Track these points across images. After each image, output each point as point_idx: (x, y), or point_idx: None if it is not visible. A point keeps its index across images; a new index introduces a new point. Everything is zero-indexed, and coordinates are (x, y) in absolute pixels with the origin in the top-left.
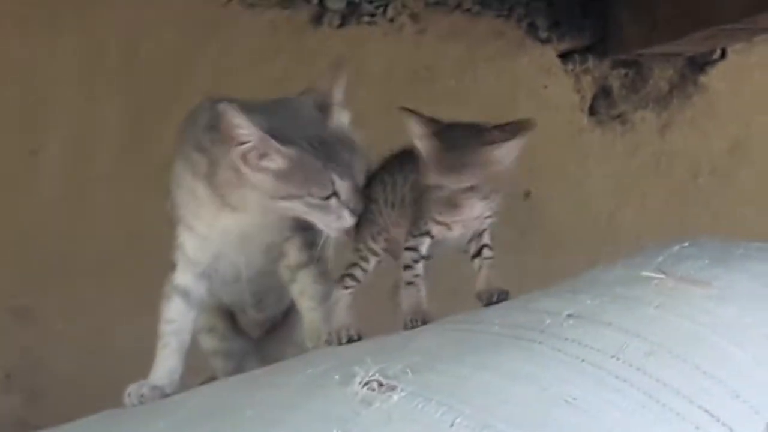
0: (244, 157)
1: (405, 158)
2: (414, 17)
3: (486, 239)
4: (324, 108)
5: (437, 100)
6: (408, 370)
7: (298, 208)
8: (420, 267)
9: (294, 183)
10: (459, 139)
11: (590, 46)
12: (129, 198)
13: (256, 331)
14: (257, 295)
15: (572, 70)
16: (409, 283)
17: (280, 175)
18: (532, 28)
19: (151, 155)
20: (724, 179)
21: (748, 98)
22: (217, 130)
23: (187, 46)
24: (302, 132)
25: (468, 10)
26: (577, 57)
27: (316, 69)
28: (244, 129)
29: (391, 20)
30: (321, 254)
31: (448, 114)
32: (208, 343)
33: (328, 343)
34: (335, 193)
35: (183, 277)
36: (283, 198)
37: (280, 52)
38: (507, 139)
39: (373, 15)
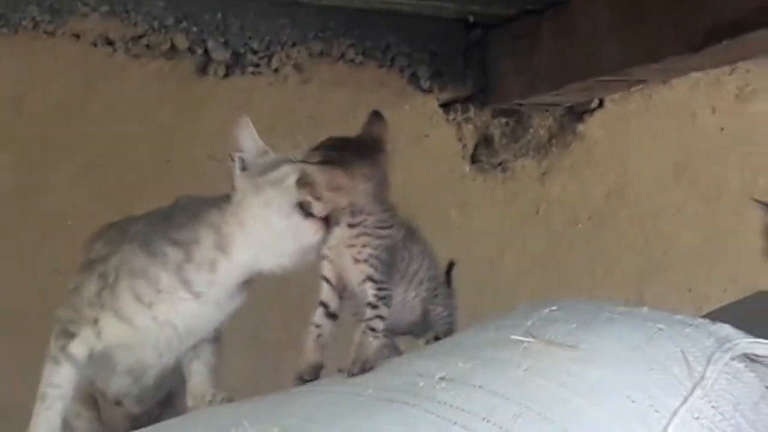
0: (242, 161)
1: None
2: (298, 67)
3: (370, 295)
4: None
5: None
6: None
7: (284, 170)
8: (317, 313)
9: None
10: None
11: (471, 96)
12: (15, 250)
13: (121, 425)
14: (145, 389)
15: (454, 119)
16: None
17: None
18: (414, 78)
19: (42, 206)
20: (602, 225)
21: (625, 146)
22: (190, 220)
23: (75, 96)
24: None
25: (351, 60)
26: (458, 106)
27: (203, 117)
28: (248, 141)
29: (276, 70)
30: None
31: None
32: (76, 426)
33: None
34: None
35: (81, 349)
36: (275, 168)
37: (167, 101)
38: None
39: (257, 65)
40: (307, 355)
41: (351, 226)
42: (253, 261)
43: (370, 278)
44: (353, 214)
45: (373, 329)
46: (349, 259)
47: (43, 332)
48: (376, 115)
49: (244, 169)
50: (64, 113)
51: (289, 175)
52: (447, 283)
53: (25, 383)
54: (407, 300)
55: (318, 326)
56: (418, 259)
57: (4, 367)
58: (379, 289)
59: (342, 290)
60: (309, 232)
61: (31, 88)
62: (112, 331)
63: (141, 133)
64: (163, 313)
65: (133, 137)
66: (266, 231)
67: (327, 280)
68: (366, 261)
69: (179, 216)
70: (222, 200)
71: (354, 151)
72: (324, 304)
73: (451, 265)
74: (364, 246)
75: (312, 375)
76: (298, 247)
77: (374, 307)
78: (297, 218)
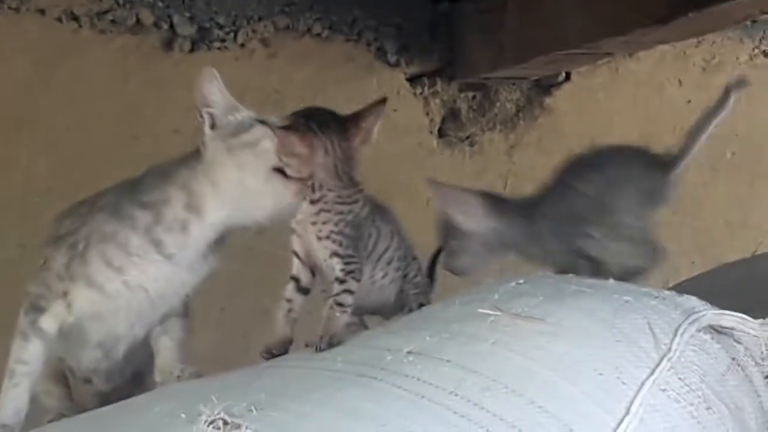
0: (211, 118)
1: None
2: (264, 42)
3: (337, 270)
4: None
5: None
6: (252, 408)
7: (258, 132)
8: (288, 288)
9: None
10: None
11: (439, 70)
12: None
13: (91, 403)
14: (114, 364)
15: (421, 94)
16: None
17: (243, 120)
18: (380, 52)
19: (2, 184)
20: None
21: (592, 119)
22: (159, 180)
23: (39, 72)
24: None
25: (318, 34)
26: (425, 80)
27: (168, 94)
28: (216, 95)
29: (242, 45)
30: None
31: None
32: (46, 402)
33: None
34: None
35: (50, 323)
36: (248, 128)
37: (131, 77)
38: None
39: (223, 40)
40: (277, 329)
41: (312, 202)
42: (226, 219)
43: (335, 254)
44: (313, 189)
45: (340, 304)
46: (314, 236)
47: (10, 308)
48: (376, 103)
49: (213, 126)
50: (29, 89)
51: (263, 138)
52: (431, 270)
53: None
54: (375, 279)
55: (289, 300)
56: (386, 238)
57: None
58: (347, 263)
59: (313, 266)
60: (287, 193)
61: None
62: (82, 301)
63: (106, 109)
64: (134, 277)
65: (99, 113)
66: (241, 192)
67: (297, 255)
68: (328, 237)
69: (147, 178)
70: (191, 158)
71: (321, 123)
72: (295, 279)
73: (438, 252)
74: (324, 223)
75: (281, 349)
76: (274, 207)
77: (342, 281)
78: (275, 180)
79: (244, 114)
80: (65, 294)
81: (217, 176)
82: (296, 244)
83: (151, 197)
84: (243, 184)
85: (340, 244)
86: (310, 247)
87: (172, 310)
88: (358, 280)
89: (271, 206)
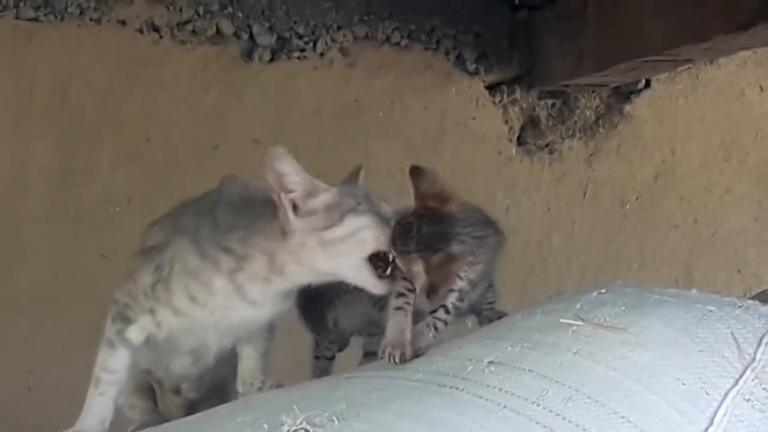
0: (293, 204)
1: None
2: (343, 51)
3: (448, 301)
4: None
5: (366, 132)
6: (334, 418)
7: (353, 224)
8: (411, 297)
9: (346, 201)
10: None
11: (517, 78)
12: (61, 236)
13: (177, 414)
14: (204, 371)
15: (500, 102)
16: (398, 308)
17: (330, 207)
18: (459, 61)
19: (83, 194)
20: (650, 205)
21: (673, 126)
22: (241, 230)
23: (119, 83)
24: None
25: (396, 43)
26: (504, 88)
27: (247, 104)
28: (293, 176)
29: (321, 54)
30: None
31: (377, 145)
32: (129, 415)
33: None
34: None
35: (138, 334)
36: (339, 220)
37: (211, 87)
38: None
39: (303, 50)
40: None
41: None
42: (310, 280)
43: (459, 290)
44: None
45: (435, 327)
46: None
47: (93, 318)
48: (418, 173)
49: (296, 209)
50: (110, 100)
51: (361, 229)
52: None
53: (75, 368)
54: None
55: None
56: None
57: (54, 354)
58: (459, 299)
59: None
60: (377, 287)
61: (76, 75)
62: (170, 322)
63: (187, 119)
64: (218, 311)
65: (179, 123)
66: (330, 272)
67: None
68: (461, 279)
69: (225, 215)
70: (267, 225)
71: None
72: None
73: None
74: (475, 272)
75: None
76: (362, 284)
77: (447, 311)
78: (366, 271)
79: (327, 196)
80: (152, 311)
81: (307, 260)
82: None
83: (234, 246)
84: (335, 269)
85: (470, 283)
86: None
87: (258, 329)
88: (458, 315)
89: (360, 283)
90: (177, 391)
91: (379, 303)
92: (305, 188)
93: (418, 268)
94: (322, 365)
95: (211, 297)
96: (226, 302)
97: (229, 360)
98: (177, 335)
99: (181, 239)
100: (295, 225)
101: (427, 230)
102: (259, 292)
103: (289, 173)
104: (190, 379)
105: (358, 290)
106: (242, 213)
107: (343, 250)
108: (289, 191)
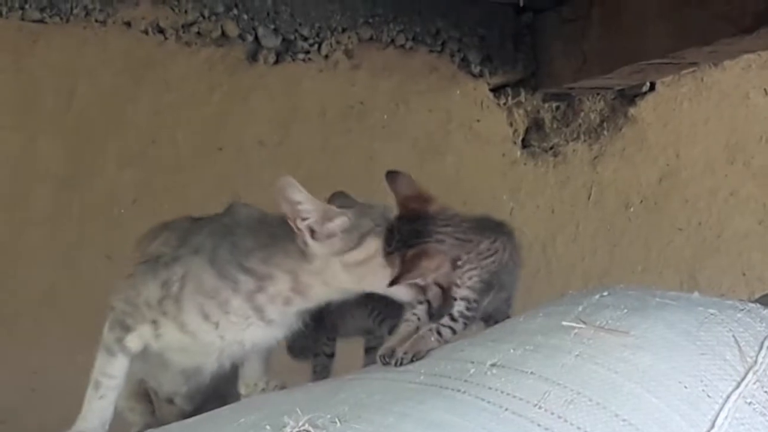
0: (310, 230)
1: None
2: (348, 53)
3: (456, 310)
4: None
5: (371, 134)
6: (336, 420)
7: (372, 247)
8: (420, 309)
9: (363, 224)
10: None
11: (522, 80)
12: (65, 237)
13: (172, 422)
14: (198, 387)
15: (505, 104)
16: (406, 320)
17: (348, 230)
18: (464, 63)
19: (88, 195)
20: (654, 208)
21: (677, 129)
22: (262, 250)
23: (124, 85)
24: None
25: (401, 45)
26: (509, 91)
27: (252, 105)
28: (306, 204)
29: (326, 57)
30: None
31: (381, 147)
32: (130, 417)
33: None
34: None
35: (136, 343)
36: (358, 243)
37: (216, 89)
38: None
39: (307, 52)
40: (399, 341)
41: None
42: (334, 298)
43: (465, 299)
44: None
45: (440, 333)
46: (458, 278)
47: (97, 319)
48: (395, 177)
49: (313, 234)
50: (115, 101)
51: (379, 251)
52: None
53: (79, 369)
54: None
55: (418, 319)
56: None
57: (58, 355)
58: (468, 309)
59: (449, 297)
60: (402, 294)
61: (81, 76)
62: (172, 338)
63: (192, 120)
64: (231, 333)
65: (184, 125)
66: (359, 290)
67: (440, 285)
68: (469, 287)
69: (245, 239)
70: (290, 245)
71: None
72: (429, 303)
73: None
74: (470, 278)
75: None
76: (391, 296)
77: (454, 320)
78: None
79: (343, 220)
80: (154, 323)
81: (331, 281)
82: (442, 278)
83: (255, 267)
84: (365, 288)
85: (474, 291)
86: (453, 283)
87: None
88: (466, 326)
89: (393, 296)
90: (171, 401)
91: (378, 317)
92: (320, 214)
93: (429, 279)
94: (322, 362)
95: (226, 317)
96: (240, 323)
97: (229, 372)
98: (170, 352)
99: (195, 258)
100: (314, 249)
101: (404, 229)
102: (278, 312)
103: (302, 201)
104: (180, 394)
105: (356, 302)
106: (262, 233)
107: (369, 271)
108: (304, 218)
